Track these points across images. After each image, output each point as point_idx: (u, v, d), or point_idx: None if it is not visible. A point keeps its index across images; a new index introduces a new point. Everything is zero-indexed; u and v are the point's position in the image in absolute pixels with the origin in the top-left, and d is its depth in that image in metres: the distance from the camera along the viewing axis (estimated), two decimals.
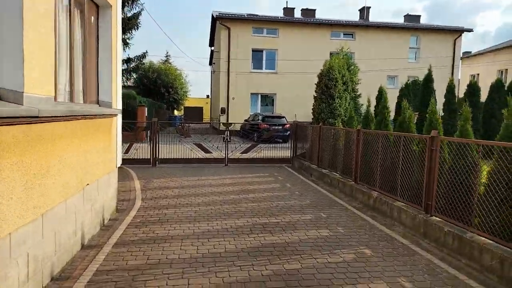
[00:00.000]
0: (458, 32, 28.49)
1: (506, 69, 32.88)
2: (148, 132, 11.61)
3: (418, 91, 18.12)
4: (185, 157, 11.94)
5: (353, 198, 7.47)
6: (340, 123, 11.41)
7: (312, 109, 12.19)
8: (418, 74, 27.16)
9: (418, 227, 5.25)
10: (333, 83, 11.37)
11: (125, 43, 25.97)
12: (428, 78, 15.26)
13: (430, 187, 5.22)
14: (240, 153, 12.20)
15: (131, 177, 9.61)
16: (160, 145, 12.05)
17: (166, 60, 51.14)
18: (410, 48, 28.43)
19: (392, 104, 13.53)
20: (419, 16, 31.39)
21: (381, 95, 15.06)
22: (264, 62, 26.63)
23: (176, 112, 46.82)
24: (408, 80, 27.24)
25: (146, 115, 21.68)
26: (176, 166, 11.60)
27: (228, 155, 12.03)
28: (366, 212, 6.58)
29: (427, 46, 28.36)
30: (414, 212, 5.43)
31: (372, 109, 13.58)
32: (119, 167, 11.25)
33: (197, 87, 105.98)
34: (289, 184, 9.09)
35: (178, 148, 12.08)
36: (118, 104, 6.12)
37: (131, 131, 12.26)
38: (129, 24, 24.27)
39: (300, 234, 5.29)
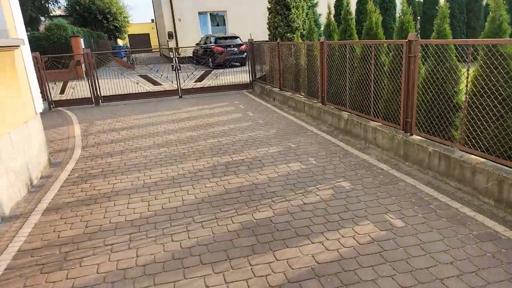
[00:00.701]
0: None
1: None
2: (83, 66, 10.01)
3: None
4: (133, 92, 10.62)
5: (322, 122, 6.84)
6: (300, 38, 10.35)
7: (267, 23, 10.94)
8: None
9: (398, 149, 4.73)
10: None
11: None
12: None
13: (409, 102, 4.59)
14: (194, 81, 11.02)
15: (70, 121, 8.36)
16: (102, 80, 10.58)
17: None
18: None
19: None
20: None
21: (340, 2, 13.96)
22: None
23: (120, 42, 42.80)
24: None
25: (83, 47, 19.21)
26: (123, 103, 10.33)
27: (181, 86, 10.84)
28: (337, 136, 6.00)
29: None
30: (392, 132, 4.87)
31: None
32: (55, 111, 9.91)
33: (138, 11, 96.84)
34: (251, 113, 8.27)
35: (123, 82, 10.68)
36: (19, 32, 4.72)
37: (63, 67, 10.58)
38: None
39: (268, 171, 4.62)
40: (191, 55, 20.17)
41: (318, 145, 5.60)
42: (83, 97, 10.26)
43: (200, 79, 11.07)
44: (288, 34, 10.17)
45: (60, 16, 39.06)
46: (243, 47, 19.42)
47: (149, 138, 6.52)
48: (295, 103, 8.08)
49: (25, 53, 4.80)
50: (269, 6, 10.60)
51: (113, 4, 36.25)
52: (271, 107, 8.79)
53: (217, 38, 19.48)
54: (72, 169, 5.14)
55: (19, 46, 4.55)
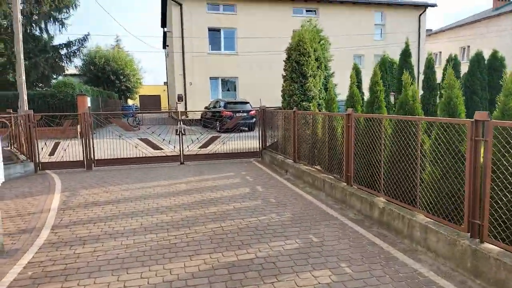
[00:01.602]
0: (422, 7, 27.51)
1: (468, 46, 32.66)
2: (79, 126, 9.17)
3: (390, 70, 16.76)
4: (130, 157, 9.65)
5: (348, 206, 5.65)
6: (316, 107, 9.57)
7: (282, 91, 10.25)
8: (385, 52, 26.02)
9: (463, 260, 3.48)
10: (305, 59, 9.44)
11: (61, 24, 22.66)
12: (406, 53, 13.76)
13: (477, 196, 3.46)
14: (199, 147, 10.08)
15: (52, 189, 7.25)
16: (99, 142, 9.69)
17: (116, 45, 47.28)
18: (375, 25, 27.15)
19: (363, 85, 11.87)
20: None
21: (356, 73, 13.50)
22: (222, 42, 24.29)
23: (130, 102, 43.39)
24: (377, 59, 26.12)
25: (89, 105, 18.83)
26: (118, 169, 9.31)
27: (184, 151, 9.88)
28: (370, 229, 4.77)
29: (392, 22, 27.21)
30: (451, 234, 3.66)
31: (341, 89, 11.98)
32: (41, 174, 8.87)
33: (154, 74, 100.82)
34: (260, 188, 7.14)
35: (121, 145, 9.75)
36: None
37: (57, 125, 9.79)
38: (63, 1, 20.97)
39: (288, 285, 3.36)
40: (199, 118, 19.66)
41: (348, 241, 4.37)
42: (74, 160, 9.28)
43: (206, 144, 10.14)
44: (304, 103, 9.39)
45: (74, 75, 40.17)
46: (252, 112, 18.94)
47: (136, 219, 5.34)
48: (312, 179, 6.96)
49: None
50: (285, 74, 9.99)
51: (128, 66, 37.20)
52: (284, 181, 7.67)
53: (226, 103, 19.09)
54: (28, 263, 3.91)
55: None
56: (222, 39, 24.25)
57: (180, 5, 22.67)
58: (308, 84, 9.50)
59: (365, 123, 5.82)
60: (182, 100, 23.69)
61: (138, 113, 23.71)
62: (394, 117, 5.05)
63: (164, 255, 4.04)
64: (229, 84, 25.35)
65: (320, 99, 10.04)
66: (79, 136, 9.11)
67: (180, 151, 9.84)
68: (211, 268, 3.71)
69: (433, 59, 13.77)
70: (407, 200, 4.60)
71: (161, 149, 9.81)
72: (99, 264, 3.83)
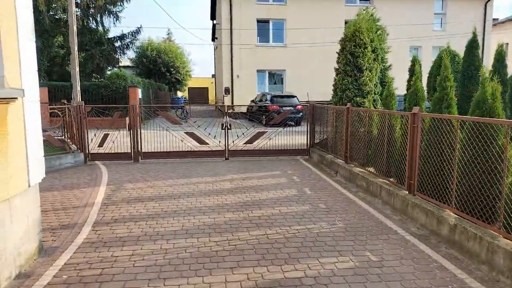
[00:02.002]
0: None
1: None
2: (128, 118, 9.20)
3: (452, 63, 15.29)
4: (175, 150, 9.55)
5: (409, 218, 5.00)
6: (372, 104, 8.83)
7: (333, 85, 9.60)
8: (444, 44, 24.09)
9: None
10: (360, 50, 8.72)
11: (115, 17, 23.35)
12: (473, 44, 12.38)
13: None
14: (244, 143, 9.75)
15: (99, 181, 7.26)
16: (147, 134, 9.69)
17: (167, 38, 48.38)
18: (435, 14, 25.18)
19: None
20: None
21: (414, 67, 12.43)
22: (271, 34, 23.76)
23: (179, 94, 44.33)
24: (435, 51, 24.31)
25: (140, 97, 19.27)
26: (164, 162, 9.23)
27: (229, 146, 9.60)
28: (438, 249, 4.12)
29: (454, 11, 25.09)
30: None
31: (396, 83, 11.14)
32: (90, 164, 9.02)
33: (203, 66, 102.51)
34: (308, 190, 6.64)
35: (167, 137, 9.66)
36: (24, 81, 3.65)
37: (105, 117, 9.92)
38: None
39: None
40: (245, 111, 19.44)
41: (412, 262, 3.77)
42: (122, 151, 9.34)
43: (251, 140, 9.78)
44: (358, 99, 8.70)
45: (127, 66, 41.72)
46: (299, 106, 18.37)
47: (178, 219, 5.08)
48: (367, 184, 6.33)
49: (27, 108, 3.70)
50: (337, 67, 9.33)
51: (178, 58, 37.88)
52: (334, 183, 7.10)
53: (273, 96, 18.65)
54: (64, 264, 3.75)
55: (16, 98, 3.45)
56: (270, 30, 23.74)
57: None
58: (363, 78, 8.78)
59: (432, 124, 5.12)
60: (229, 93, 23.58)
61: (186, 106, 23.98)
62: (472, 119, 4.31)
63: (204, 265, 3.71)
64: (276, 77, 24.84)
65: (375, 94, 9.28)
66: (127, 128, 9.13)
67: (225, 146, 9.57)
68: (254, 286, 3.31)
69: (504, 51, 12.33)
70: (484, 217, 3.90)
71: (207, 143, 9.59)
72: (136, 271, 3.58)
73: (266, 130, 9.79)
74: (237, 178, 7.56)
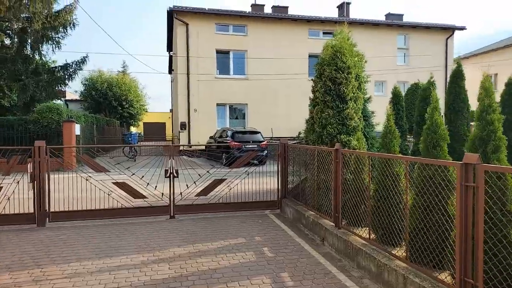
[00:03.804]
0: (449, 30, 25.26)
1: (496, 74, 30.12)
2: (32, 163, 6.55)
3: (417, 99, 13.98)
4: (98, 208, 6.99)
5: None
6: (363, 143, 6.87)
7: (309, 119, 7.61)
8: (408, 79, 23.58)
9: None
10: (343, 76, 6.86)
11: (56, 44, 20.72)
12: (457, 75, 11.08)
13: None
14: (197, 194, 7.38)
15: None
16: (67, 182, 7.08)
17: (123, 71, 45.76)
18: (398, 48, 24.86)
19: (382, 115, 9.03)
20: (401, 15, 27.91)
21: (397, 99, 10.88)
22: (231, 65, 22.10)
23: (133, 129, 41.22)
24: (401, 85, 23.65)
25: (78, 133, 16.44)
26: (81, 225, 6.63)
27: (176, 200, 7.20)
28: None
29: (416, 46, 24.91)
30: None
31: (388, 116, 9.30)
32: None
33: (160, 101, 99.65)
34: (288, 276, 4.35)
35: (92, 190, 7.06)
36: None
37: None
38: (58, 18, 19.04)
39: None
40: (204, 148, 17.15)
41: None
42: (21, 212, 6.64)
43: (206, 191, 7.44)
44: (343, 136, 6.72)
45: (74, 100, 38.39)
46: (264, 143, 16.40)
47: None
48: (378, 268, 4.15)
49: None
50: (313, 97, 7.41)
51: (131, 91, 35.23)
52: (323, 260, 4.88)
53: (234, 132, 16.58)
54: None
55: None
56: (231, 62, 22.09)
57: (187, 24, 20.69)
58: (347, 110, 6.86)
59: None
60: (185, 129, 21.27)
61: (131, 146, 21.39)
62: None
63: None
64: (237, 112, 22.96)
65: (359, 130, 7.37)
66: (28, 179, 6.49)
67: (169, 200, 7.16)
68: None
69: (491, 82, 11.12)
70: None
71: (144, 197, 7.13)
72: None
73: (225, 178, 7.50)
74: (181, 254, 5.14)
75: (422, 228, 3.93)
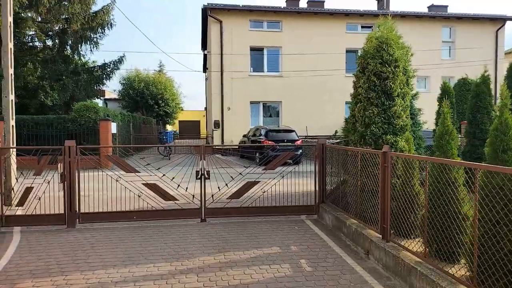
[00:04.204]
0: (500, 21, 23.40)
1: None
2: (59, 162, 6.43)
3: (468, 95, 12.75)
4: (128, 210, 6.78)
5: None
6: (404, 143, 6.19)
7: (350, 117, 6.99)
8: (454, 73, 22.09)
9: None
10: (390, 70, 6.20)
11: (94, 44, 21.17)
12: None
13: None
14: (229, 197, 6.99)
15: None
16: (91, 186, 6.95)
17: (159, 71, 46.60)
18: (443, 42, 23.34)
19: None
20: (446, 7, 26.13)
21: (447, 95, 9.96)
22: (265, 63, 21.67)
23: (169, 127, 41.85)
24: (448, 81, 22.25)
25: (114, 132, 16.64)
26: (112, 227, 6.43)
27: (207, 203, 6.85)
28: None
29: (462, 39, 23.27)
30: None
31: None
32: (3, 232, 6.09)
33: (196, 99, 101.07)
34: None
35: (122, 191, 6.86)
36: None
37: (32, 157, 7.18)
38: (96, 19, 19.42)
39: None
40: (237, 146, 16.86)
41: None
42: (51, 213, 6.54)
43: (238, 193, 7.03)
44: (389, 137, 6.07)
45: (113, 99, 39.45)
46: (299, 142, 15.87)
47: None
48: None
49: None
50: (354, 93, 6.79)
51: (167, 90, 35.68)
52: (368, 278, 4.31)
53: (268, 131, 16.13)
54: None
55: None
56: (265, 59, 21.65)
57: (220, 22, 20.46)
58: (395, 108, 6.20)
59: None
60: (219, 127, 21.09)
61: (164, 145, 21.48)
62: None
63: None
64: (271, 110, 22.49)
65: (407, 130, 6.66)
66: (59, 179, 6.37)
67: (201, 203, 6.82)
68: None
69: None
70: None
71: (175, 199, 6.83)
72: None
73: (259, 181, 7.05)
74: (211, 264, 4.74)
75: (491, 246, 3.29)
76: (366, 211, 5.44)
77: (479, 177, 3.40)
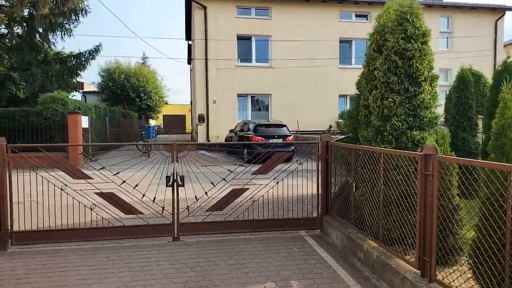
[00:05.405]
0: (500, 11, 22.37)
1: None
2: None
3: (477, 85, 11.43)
4: (77, 228, 5.27)
5: None
6: (434, 141, 4.82)
7: (360, 110, 5.58)
8: (451, 65, 20.98)
9: None
10: (416, 46, 4.81)
11: (66, 31, 19.31)
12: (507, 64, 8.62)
13: None
14: (208, 209, 5.54)
15: None
16: (29, 196, 5.39)
17: (143, 63, 44.56)
18: (440, 32, 22.19)
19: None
20: None
21: (465, 85, 8.62)
22: (253, 52, 20.16)
23: (152, 122, 40.00)
24: (442, 73, 21.23)
25: (86, 126, 14.96)
26: (56, 250, 4.91)
27: (181, 217, 5.39)
28: None
29: (460, 29, 22.17)
30: None
31: None
32: None
33: (183, 95, 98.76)
34: None
35: (68, 203, 5.33)
36: None
37: None
38: (67, 3, 17.58)
39: None
40: (223, 142, 15.40)
41: None
42: None
43: (220, 205, 5.58)
44: (415, 132, 4.69)
45: (92, 92, 37.36)
46: (290, 138, 14.49)
47: None
48: None
49: None
50: (368, 77, 5.37)
51: (150, 82, 33.84)
52: None
53: (257, 125, 14.70)
54: None
55: None
56: (253, 48, 20.14)
57: (205, 8, 18.85)
58: (422, 95, 4.82)
59: None
60: (203, 121, 19.55)
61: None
62: None
63: None
64: (260, 103, 21.05)
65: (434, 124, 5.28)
66: None
67: (173, 217, 5.34)
68: None
69: None
70: None
71: (139, 212, 5.33)
72: None
73: (248, 187, 5.60)
74: None
75: None
76: (391, 232, 4.06)
77: None
